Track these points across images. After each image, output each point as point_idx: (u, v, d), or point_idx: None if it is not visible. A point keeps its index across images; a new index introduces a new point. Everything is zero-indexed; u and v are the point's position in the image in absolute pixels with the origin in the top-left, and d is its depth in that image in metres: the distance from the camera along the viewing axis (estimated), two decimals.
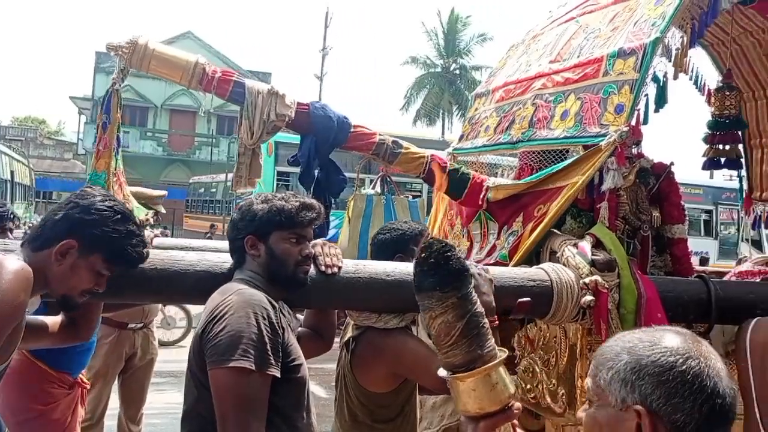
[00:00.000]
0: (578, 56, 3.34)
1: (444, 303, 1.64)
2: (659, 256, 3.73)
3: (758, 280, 3.36)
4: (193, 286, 2.17)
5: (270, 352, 1.88)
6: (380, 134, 3.22)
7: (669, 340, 1.16)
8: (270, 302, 1.98)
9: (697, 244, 14.38)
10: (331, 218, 3.47)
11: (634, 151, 3.59)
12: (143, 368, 4.81)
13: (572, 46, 3.48)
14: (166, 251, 2.28)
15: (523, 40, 4.27)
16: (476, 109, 4.24)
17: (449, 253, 1.67)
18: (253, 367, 1.83)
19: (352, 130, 3.11)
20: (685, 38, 2.92)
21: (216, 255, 2.28)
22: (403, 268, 2.39)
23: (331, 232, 3.54)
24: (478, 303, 1.69)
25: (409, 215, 3.32)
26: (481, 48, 34.73)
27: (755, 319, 2.69)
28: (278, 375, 1.89)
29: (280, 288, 2.12)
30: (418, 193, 11.06)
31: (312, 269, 2.21)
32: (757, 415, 2.54)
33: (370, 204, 3.26)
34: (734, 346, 2.84)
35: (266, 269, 2.09)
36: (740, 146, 4.58)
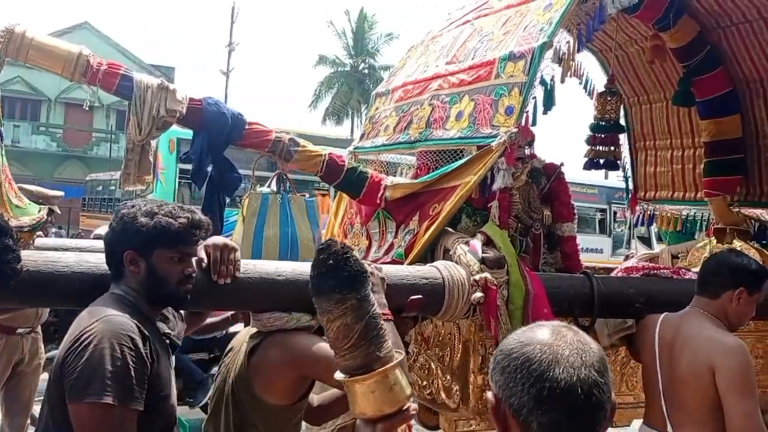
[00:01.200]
0: (472, 58, 3.42)
1: (343, 305, 1.62)
2: (551, 253, 3.86)
3: (639, 275, 3.53)
4: (69, 289, 2.05)
5: (135, 385, 1.77)
6: (277, 132, 3.17)
7: (537, 333, 1.19)
8: (140, 330, 1.85)
9: (592, 241, 15.09)
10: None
11: (527, 151, 3.71)
12: (30, 374, 4.54)
13: (467, 48, 3.55)
14: (40, 252, 2.15)
15: (422, 41, 4.32)
16: (377, 109, 4.26)
17: (347, 255, 1.65)
18: (115, 402, 1.71)
19: (247, 127, 3.05)
20: (571, 43, 3.03)
21: (95, 256, 2.15)
22: (295, 268, 2.36)
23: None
24: (376, 305, 1.69)
25: (306, 215, 3.28)
26: (388, 47, 34.97)
27: (661, 316, 2.79)
28: (141, 409, 1.78)
29: (157, 305, 2.03)
30: None
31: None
32: (663, 407, 2.67)
33: (265, 203, 3.20)
34: (638, 340, 2.96)
35: (145, 287, 1.97)
36: (623, 148, 4.83)
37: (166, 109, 2.87)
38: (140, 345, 1.81)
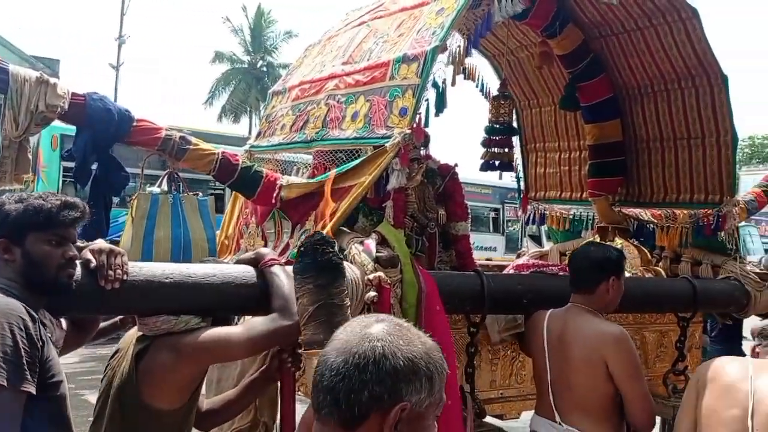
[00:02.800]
0: (368, 59, 3.44)
1: (302, 287, 1.90)
2: (445, 252, 3.96)
3: (528, 272, 3.67)
4: None
5: (26, 367, 1.72)
6: (167, 129, 3.06)
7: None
8: (29, 313, 1.80)
9: (487, 239, 15.60)
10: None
11: (422, 152, 3.78)
12: None
13: (363, 49, 3.58)
14: None
15: (320, 40, 4.32)
16: (273, 107, 4.22)
17: (318, 246, 1.92)
18: (5, 383, 1.67)
19: (134, 124, 2.93)
20: (462, 47, 3.11)
21: None
22: (184, 270, 2.29)
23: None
24: (341, 297, 1.96)
25: (199, 215, 3.19)
26: (287, 45, 34.59)
27: (548, 312, 2.91)
28: (33, 392, 1.73)
29: (40, 295, 1.93)
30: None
31: (78, 271, 2.04)
32: (551, 398, 2.79)
33: (155, 203, 3.08)
34: (527, 336, 3.08)
35: (23, 275, 1.89)
36: (516, 150, 5.01)
37: (45, 103, 2.70)
38: (30, 326, 1.77)
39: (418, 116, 2.95)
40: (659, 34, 4.08)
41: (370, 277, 2.59)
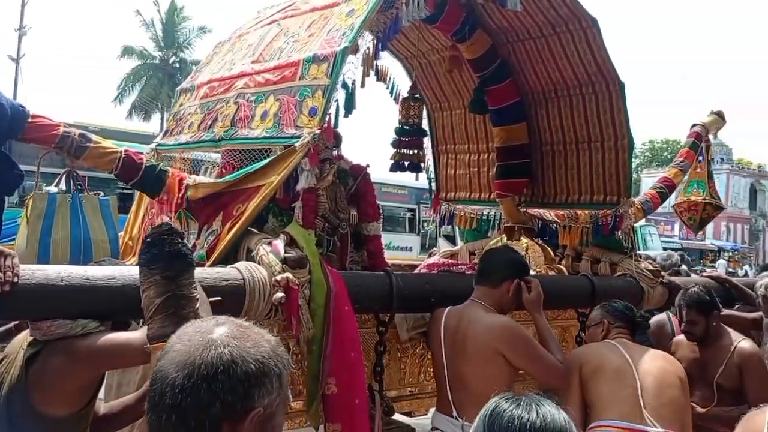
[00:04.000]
0: (278, 58, 3.42)
1: (148, 279, 1.82)
2: (357, 252, 3.97)
3: (437, 271, 3.75)
4: None
5: None
6: (65, 126, 2.94)
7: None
8: None
9: (402, 239, 15.79)
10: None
11: (334, 153, 3.78)
12: None
13: (273, 48, 3.55)
14: None
15: (230, 38, 4.25)
16: (181, 105, 4.12)
17: (167, 237, 1.83)
18: None
19: (29, 120, 2.79)
20: (371, 49, 3.14)
21: None
22: (81, 272, 2.21)
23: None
24: (190, 289, 1.86)
25: (100, 215, 3.08)
26: (201, 41, 33.68)
27: (447, 309, 2.99)
28: None
29: None
30: None
31: None
32: (449, 393, 2.85)
33: (52, 203, 2.95)
34: (427, 332, 3.14)
35: None
36: (427, 151, 5.09)
37: None
38: None
39: (327, 116, 2.95)
40: (562, 41, 4.25)
41: (278, 278, 2.58)
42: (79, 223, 3.01)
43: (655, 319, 4.14)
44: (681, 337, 3.75)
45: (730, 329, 3.62)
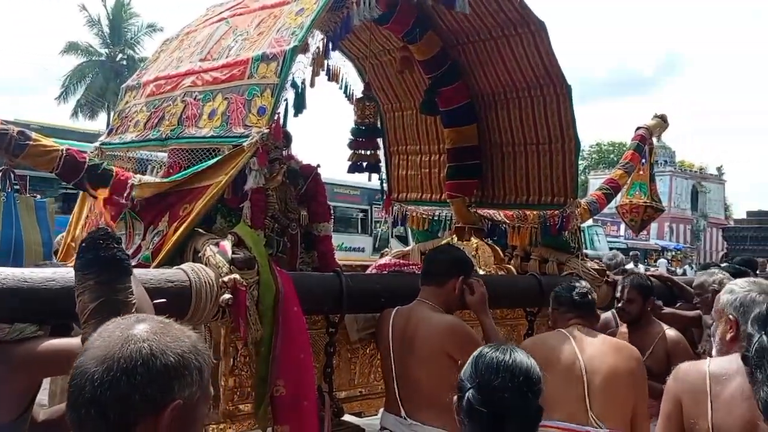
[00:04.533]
0: (227, 57, 3.37)
1: (82, 284, 1.79)
2: (308, 253, 3.95)
3: (387, 272, 3.75)
4: None
5: None
6: (2, 123, 2.84)
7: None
8: None
9: (355, 240, 15.77)
10: None
11: (284, 152, 3.75)
12: None
13: (222, 46, 3.50)
14: None
15: (178, 35, 4.18)
16: (127, 103, 4.03)
17: (102, 241, 1.80)
18: None
19: None
20: (321, 49, 3.12)
21: None
22: (18, 274, 2.13)
23: None
24: (125, 294, 1.82)
25: (35, 217, 2.98)
26: (151, 39, 32.93)
27: (395, 309, 3.00)
28: None
29: None
30: None
31: None
32: (397, 392, 2.85)
33: None
34: (376, 332, 3.14)
35: None
36: (381, 152, 5.10)
37: None
38: None
39: (276, 116, 2.93)
40: (511, 44, 4.31)
41: (225, 279, 2.54)
42: (11, 224, 2.91)
43: (602, 316, 4.25)
44: (617, 330, 3.91)
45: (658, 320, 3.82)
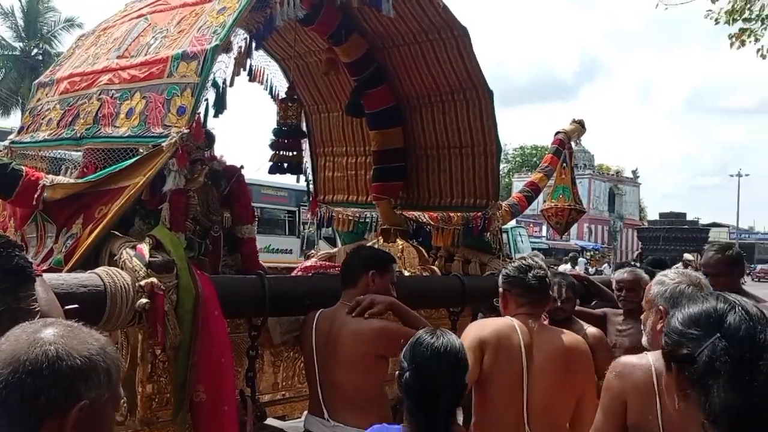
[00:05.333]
0: (146, 54, 3.29)
1: None
2: (231, 256, 3.89)
3: (311, 274, 3.73)
4: None
5: None
6: None
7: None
8: None
9: (282, 242, 15.62)
10: None
11: (207, 153, 3.68)
12: None
13: (141, 43, 3.41)
14: None
15: (94, 30, 4.04)
16: (39, 100, 3.87)
17: (2, 250, 1.79)
18: None
19: None
20: (243, 48, 3.08)
21: None
22: None
23: None
24: (28, 302, 1.79)
25: None
26: (69, 34, 31.54)
27: (318, 312, 2.96)
28: None
29: None
30: None
31: None
32: (320, 395, 2.83)
33: None
34: (300, 335, 3.11)
35: None
36: (305, 153, 5.08)
37: None
38: None
39: (197, 116, 2.87)
40: (435, 49, 4.37)
41: (142, 283, 2.47)
42: None
43: None
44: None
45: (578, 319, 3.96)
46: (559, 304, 3.89)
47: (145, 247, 2.61)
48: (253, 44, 3.13)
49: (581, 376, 2.68)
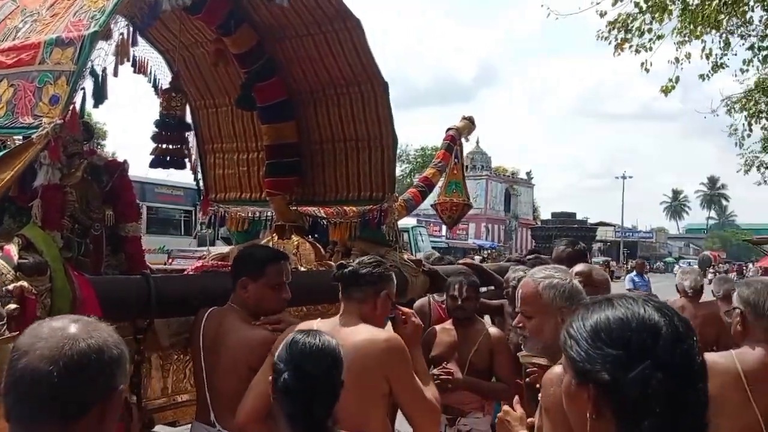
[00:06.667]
0: (14, 39, 3.04)
1: None
2: (114, 255, 3.67)
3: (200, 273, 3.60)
4: None
5: None
6: None
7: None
8: None
9: (177, 242, 15.09)
10: None
11: (86, 147, 3.46)
12: None
13: (8, 26, 3.15)
14: None
15: None
16: None
17: None
18: None
19: None
20: (125, 36, 2.91)
21: None
22: None
23: None
24: None
25: None
26: None
27: (207, 311, 2.86)
28: None
29: None
30: None
31: None
32: (208, 399, 2.72)
33: None
34: (189, 335, 2.98)
35: None
36: (193, 150, 4.88)
37: None
38: None
39: (72, 106, 2.67)
40: (328, 41, 4.31)
41: (10, 287, 2.27)
42: None
43: (417, 302, 4.42)
44: (440, 325, 4.06)
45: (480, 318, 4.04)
46: (459, 302, 3.94)
47: (13, 248, 2.40)
48: (136, 32, 2.95)
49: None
